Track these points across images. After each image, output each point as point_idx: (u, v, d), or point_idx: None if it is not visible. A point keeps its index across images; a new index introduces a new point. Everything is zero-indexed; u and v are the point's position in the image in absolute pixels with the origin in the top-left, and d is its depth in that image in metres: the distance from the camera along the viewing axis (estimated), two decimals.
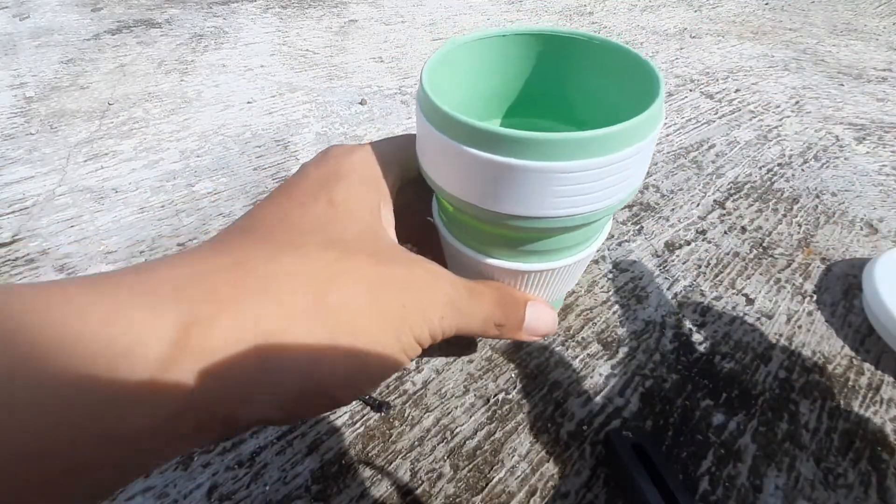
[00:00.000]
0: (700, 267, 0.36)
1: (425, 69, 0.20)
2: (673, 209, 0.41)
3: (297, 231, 0.17)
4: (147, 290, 0.13)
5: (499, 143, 0.16)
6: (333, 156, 0.19)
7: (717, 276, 0.35)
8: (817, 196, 0.43)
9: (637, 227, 0.39)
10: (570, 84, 0.24)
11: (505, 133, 0.16)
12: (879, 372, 0.29)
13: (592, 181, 0.17)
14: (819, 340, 0.31)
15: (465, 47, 0.22)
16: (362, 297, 0.15)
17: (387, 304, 0.16)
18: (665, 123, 0.54)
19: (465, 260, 0.23)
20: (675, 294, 0.34)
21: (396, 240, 0.20)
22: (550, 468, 0.25)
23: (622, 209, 0.42)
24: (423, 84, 0.19)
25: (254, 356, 0.13)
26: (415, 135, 0.20)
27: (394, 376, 0.29)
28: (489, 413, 0.27)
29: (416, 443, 0.26)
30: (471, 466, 0.25)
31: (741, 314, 0.32)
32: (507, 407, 0.27)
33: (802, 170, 0.46)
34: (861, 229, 0.39)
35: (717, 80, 0.62)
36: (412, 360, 0.17)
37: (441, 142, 0.18)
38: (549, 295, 0.25)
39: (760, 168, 0.46)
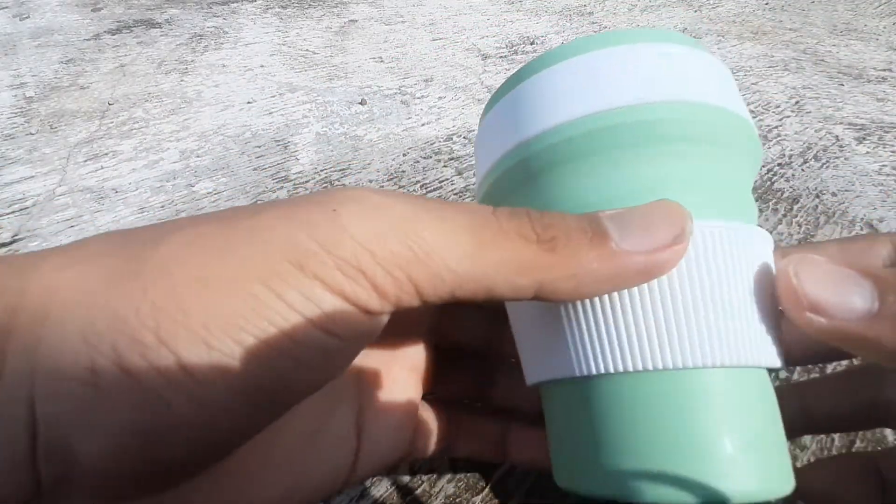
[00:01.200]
0: None
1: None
2: None
3: None
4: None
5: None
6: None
7: None
8: (817, 196, 0.43)
9: None
10: None
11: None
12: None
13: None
14: None
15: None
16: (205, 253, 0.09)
17: (248, 256, 0.09)
18: None
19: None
20: None
21: None
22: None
23: None
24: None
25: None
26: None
27: None
28: None
29: None
30: (471, 466, 0.25)
31: None
32: None
33: (802, 170, 0.46)
34: (861, 229, 0.39)
35: None
36: (356, 339, 0.10)
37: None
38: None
39: (760, 168, 0.46)
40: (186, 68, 0.64)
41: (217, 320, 0.08)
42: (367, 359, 0.17)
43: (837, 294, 0.10)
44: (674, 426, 0.12)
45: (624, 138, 0.12)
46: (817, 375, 0.28)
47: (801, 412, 0.17)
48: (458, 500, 0.23)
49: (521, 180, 0.13)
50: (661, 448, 0.12)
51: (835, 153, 0.48)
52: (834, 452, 0.25)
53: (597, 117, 0.12)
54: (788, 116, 0.54)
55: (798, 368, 0.28)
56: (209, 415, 0.09)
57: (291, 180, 0.44)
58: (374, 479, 0.24)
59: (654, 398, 0.12)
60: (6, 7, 0.81)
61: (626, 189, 0.12)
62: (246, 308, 0.08)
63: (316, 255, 0.09)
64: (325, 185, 0.44)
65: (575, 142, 0.12)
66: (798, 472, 0.14)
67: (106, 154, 0.48)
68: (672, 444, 0.12)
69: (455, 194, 0.42)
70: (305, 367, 0.09)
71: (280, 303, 0.08)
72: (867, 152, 0.48)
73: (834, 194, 0.43)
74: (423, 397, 0.19)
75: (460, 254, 0.09)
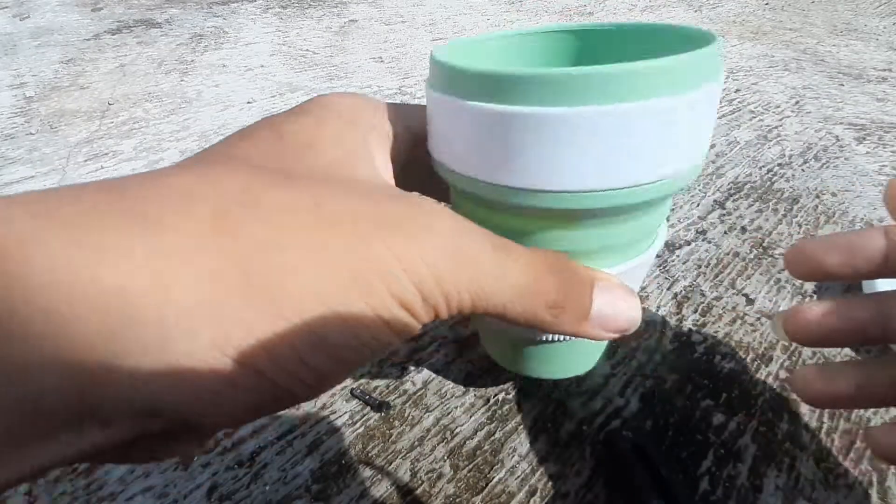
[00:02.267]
0: (700, 267, 0.36)
1: (436, 52, 0.16)
2: (673, 209, 0.41)
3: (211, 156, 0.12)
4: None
5: (501, 87, 0.13)
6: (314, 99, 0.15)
7: (717, 276, 0.35)
8: (817, 196, 0.43)
9: None
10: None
11: (508, 74, 0.13)
12: None
13: (640, 134, 0.13)
14: None
15: (476, 44, 0.19)
16: (300, 236, 0.10)
17: (342, 251, 0.10)
18: None
19: None
20: (675, 294, 0.34)
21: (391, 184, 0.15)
22: (550, 468, 0.25)
23: None
24: (434, 55, 0.16)
25: (96, 321, 0.08)
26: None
27: (394, 376, 0.29)
28: (489, 413, 0.27)
29: (416, 443, 0.26)
30: (471, 466, 0.25)
31: (741, 314, 0.32)
32: (507, 407, 0.27)
33: (802, 170, 0.46)
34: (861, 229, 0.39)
35: None
36: (402, 340, 0.12)
37: (441, 103, 0.15)
38: None
39: (760, 168, 0.46)
40: (186, 68, 0.64)
41: (328, 326, 0.10)
42: None
43: None
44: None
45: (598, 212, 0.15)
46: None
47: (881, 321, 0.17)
48: (458, 500, 0.23)
49: (505, 209, 0.16)
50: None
51: (835, 153, 0.48)
52: (834, 452, 0.25)
53: (593, 196, 0.14)
54: (788, 116, 0.54)
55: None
56: (306, 395, 0.11)
57: None
58: (375, 478, 0.24)
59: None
60: (6, 7, 0.81)
61: (590, 244, 0.16)
62: (347, 311, 0.11)
63: (398, 279, 0.11)
64: None
65: (564, 209, 0.15)
66: (869, 433, 0.18)
67: (106, 154, 0.48)
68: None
69: None
70: (371, 355, 0.12)
71: (369, 311, 0.11)
72: (867, 152, 0.48)
73: (834, 194, 0.43)
74: None
75: (504, 299, 0.13)
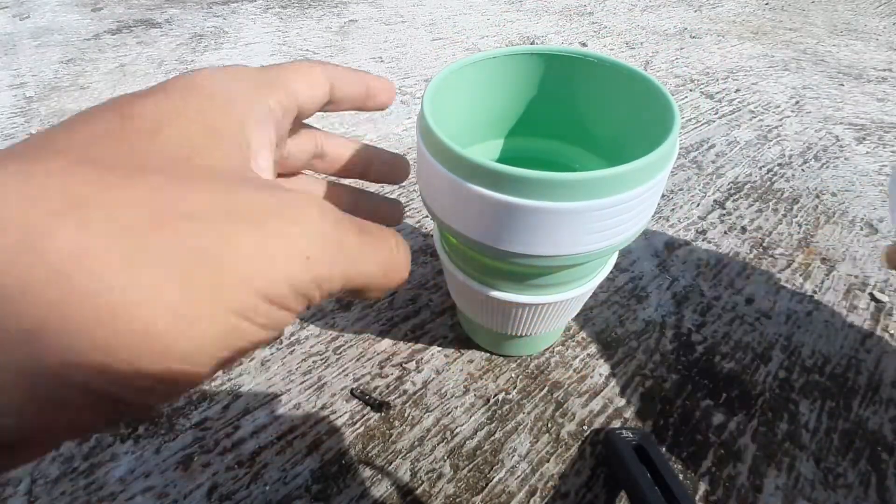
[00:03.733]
0: (700, 267, 0.36)
1: (426, 97, 0.19)
2: (673, 209, 0.41)
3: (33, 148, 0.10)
4: None
5: (504, 182, 0.16)
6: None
7: (716, 276, 0.35)
8: (817, 196, 0.43)
9: None
10: (577, 103, 0.23)
11: (511, 172, 0.16)
12: (879, 372, 0.29)
13: (601, 220, 0.17)
14: (818, 340, 0.31)
15: (466, 69, 0.21)
16: (123, 244, 0.09)
17: (182, 253, 0.09)
18: None
19: (469, 292, 0.23)
20: (675, 294, 0.34)
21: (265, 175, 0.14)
22: (550, 468, 0.25)
23: None
24: (425, 113, 0.18)
25: None
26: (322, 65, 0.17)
27: (394, 376, 0.29)
28: (489, 413, 0.27)
29: (416, 443, 0.26)
30: (471, 466, 0.25)
31: (741, 314, 0.32)
32: (507, 407, 0.27)
33: (802, 170, 0.46)
34: (861, 229, 0.39)
35: (717, 80, 0.62)
36: (279, 334, 0.12)
37: (445, 178, 0.17)
38: (551, 325, 0.25)
39: (760, 168, 0.46)
40: (186, 68, 0.64)
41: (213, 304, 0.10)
42: None
43: None
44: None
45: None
46: None
47: None
48: (458, 500, 0.23)
49: (488, 255, 0.19)
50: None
51: (835, 153, 0.48)
52: (834, 452, 0.25)
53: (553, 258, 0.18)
54: (788, 116, 0.54)
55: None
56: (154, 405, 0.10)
57: None
58: (375, 478, 0.24)
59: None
60: (6, 7, 0.81)
61: (557, 280, 0.21)
62: (225, 316, 0.10)
63: (263, 276, 0.10)
64: None
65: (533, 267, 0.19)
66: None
67: None
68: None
69: None
70: (254, 346, 0.11)
71: (231, 318, 0.10)
72: (867, 152, 0.48)
73: (834, 194, 0.43)
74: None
75: (368, 278, 0.13)
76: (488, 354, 0.30)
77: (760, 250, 0.37)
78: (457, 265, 0.23)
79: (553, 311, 0.23)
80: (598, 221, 0.17)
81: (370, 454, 0.25)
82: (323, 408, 0.27)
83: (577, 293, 0.22)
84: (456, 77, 0.21)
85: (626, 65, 0.21)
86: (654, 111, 0.19)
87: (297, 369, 0.29)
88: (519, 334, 0.25)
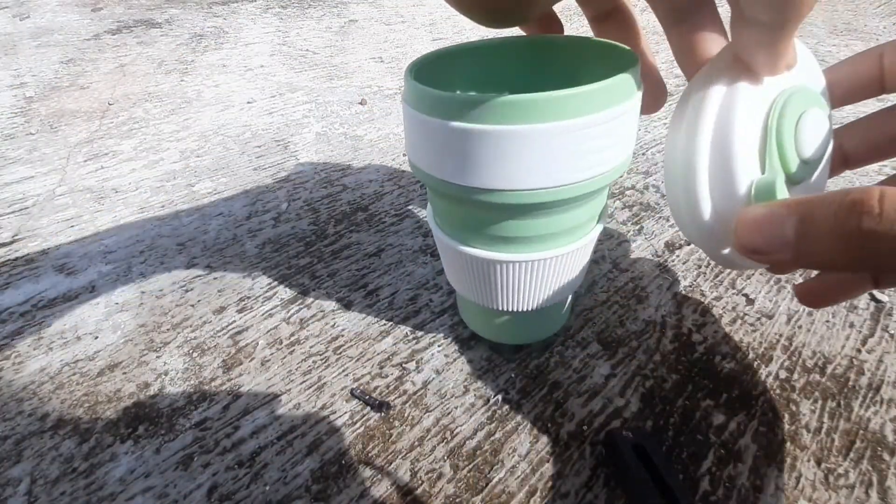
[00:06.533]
0: (700, 267, 0.36)
1: (409, 66, 0.20)
2: None
3: None
4: None
5: (470, 109, 0.16)
6: None
7: (717, 276, 0.35)
8: None
9: (637, 227, 0.39)
10: (555, 82, 0.24)
11: (472, 98, 0.16)
12: (880, 372, 0.29)
13: (573, 145, 0.17)
14: (819, 340, 0.31)
15: (449, 55, 0.23)
16: None
17: None
18: (665, 123, 0.54)
19: (454, 255, 0.24)
20: (675, 294, 0.34)
21: None
22: (550, 468, 0.25)
23: (622, 208, 0.42)
24: (407, 75, 0.20)
25: None
26: None
27: (394, 376, 0.29)
28: (489, 413, 0.27)
29: (416, 443, 0.26)
30: (471, 466, 0.25)
31: (741, 314, 0.32)
32: (507, 407, 0.27)
33: None
34: None
35: None
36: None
37: (418, 120, 0.18)
38: (544, 295, 0.25)
39: None
40: (186, 68, 0.64)
41: None
42: None
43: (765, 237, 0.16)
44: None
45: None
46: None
47: (839, 151, 0.24)
48: (458, 500, 0.23)
49: (470, 204, 0.19)
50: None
51: None
52: (834, 452, 0.25)
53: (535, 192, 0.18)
54: None
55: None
56: None
57: (291, 180, 0.44)
58: (375, 478, 0.24)
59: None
60: (6, 7, 0.81)
61: (540, 230, 0.20)
62: None
63: None
64: (324, 185, 0.44)
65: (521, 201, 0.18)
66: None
67: (106, 154, 0.48)
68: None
69: None
70: None
71: None
72: None
73: None
74: None
75: None
76: (488, 354, 0.30)
77: None
78: (442, 229, 0.24)
79: (541, 272, 0.22)
80: (572, 146, 0.17)
81: (370, 454, 0.25)
82: (323, 408, 0.27)
83: (563, 251, 0.22)
84: (437, 60, 0.22)
85: (594, 39, 0.22)
86: (621, 65, 0.20)
87: (297, 369, 0.29)
88: (511, 308, 0.25)
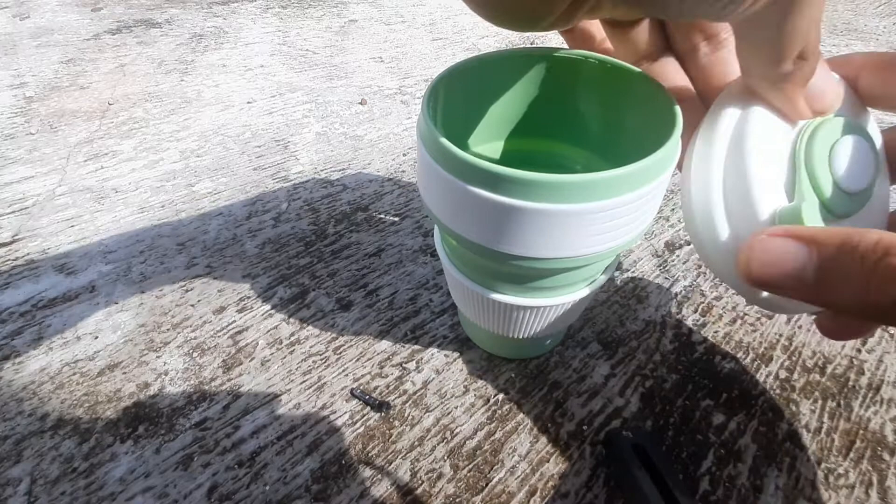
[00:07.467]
0: (700, 267, 0.36)
1: (425, 99, 0.19)
2: (673, 209, 0.41)
3: None
4: None
5: (504, 184, 0.16)
6: None
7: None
8: None
9: None
10: (578, 104, 0.23)
11: (511, 174, 0.15)
12: (880, 372, 0.29)
13: (603, 222, 0.17)
14: (819, 340, 0.31)
15: (466, 70, 0.21)
16: None
17: None
18: None
19: (469, 294, 0.23)
20: (675, 294, 0.34)
21: None
22: (550, 468, 0.25)
23: None
24: (424, 114, 0.18)
25: None
26: None
27: (394, 376, 0.29)
28: (489, 413, 0.27)
29: (416, 443, 0.26)
30: (471, 466, 0.25)
31: (741, 314, 0.32)
32: (507, 407, 0.27)
33: None
34: None
35: None
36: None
37: (444, 179, 0.17)
38: (553, 328, 0.25)
39: None
40: (186, 68, 0.64)
41: None
42: None
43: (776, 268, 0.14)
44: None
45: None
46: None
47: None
48: (458, 500, 0.23)
49: (485, 256, 0.19)
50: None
51: None
52: (834, 452, 0.25)
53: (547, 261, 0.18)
54: None
55: None
56: None
57: (291, 180, 0.44)
58: (375, 478, 0.24)
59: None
60: (6, 7, 0.81)
61: (554, 283, 0.21)
62: None
63: None
64: (324, 185, 0.44)
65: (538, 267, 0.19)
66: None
67: (106, 154, 0.48)
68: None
69: None
70: None
71: None
72: None
73: None
74: None
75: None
76: (488, 354, 0.30)
77: None
78: (457, 267, 0.23)
79: (554, 314, 0.23)
80: (600, 224, 0.17)
81: (370, 454, 0.25)
82: (323, 408, 0.27)
83: (578, 296, 0.22)
84: (456, 78, 0.21)
85: (628, 66, 0.21)
86: (656, 112, 0.19)
87: (297, 369, 0.29)
88: (519, 337, 0.25)
